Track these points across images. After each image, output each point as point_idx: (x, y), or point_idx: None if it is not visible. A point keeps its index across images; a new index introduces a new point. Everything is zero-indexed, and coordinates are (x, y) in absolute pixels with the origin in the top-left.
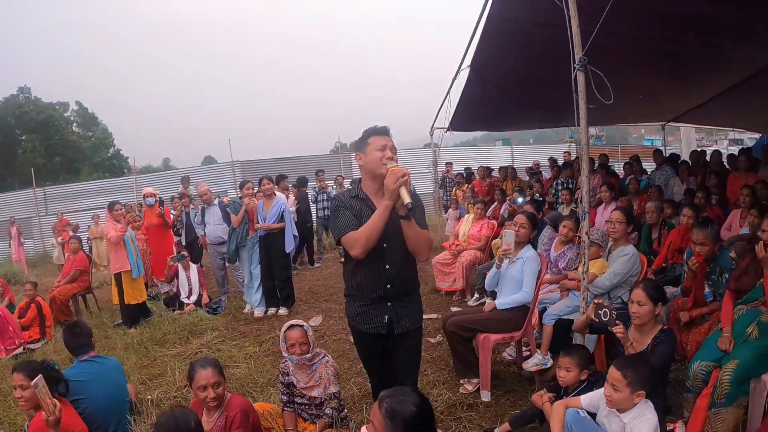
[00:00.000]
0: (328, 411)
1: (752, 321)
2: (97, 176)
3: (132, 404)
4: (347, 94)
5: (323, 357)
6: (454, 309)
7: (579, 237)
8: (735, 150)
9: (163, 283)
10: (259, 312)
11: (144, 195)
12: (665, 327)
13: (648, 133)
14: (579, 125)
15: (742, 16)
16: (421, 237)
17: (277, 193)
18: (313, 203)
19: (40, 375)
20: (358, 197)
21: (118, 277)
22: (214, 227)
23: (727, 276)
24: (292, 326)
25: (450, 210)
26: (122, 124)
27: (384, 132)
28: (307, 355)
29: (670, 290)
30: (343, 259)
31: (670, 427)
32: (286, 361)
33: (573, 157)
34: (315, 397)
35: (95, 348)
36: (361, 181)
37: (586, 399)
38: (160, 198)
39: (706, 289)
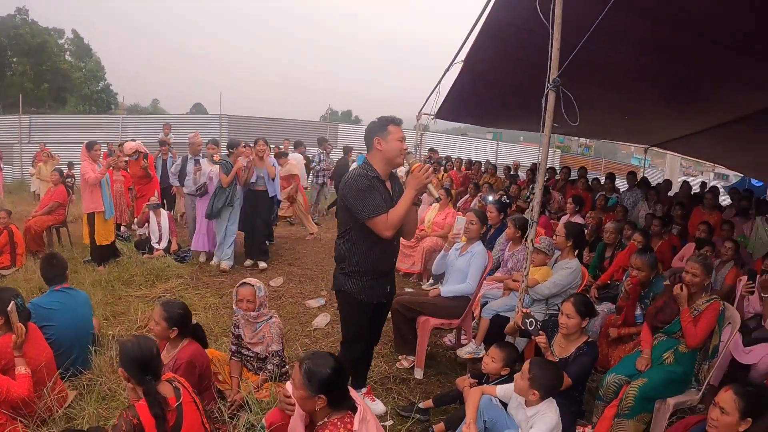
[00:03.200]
0: (269, 366)
1: (670, 348)
2: (83, 108)
3: (95, 337)
4: (339, 69)
5: (270, 318)
6: (408, 290)
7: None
8: (719, 183)
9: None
10: (225, 265)
11: (125, 153)
12: (590, 340)
13: (637, 152)
14: (541, 141)
15: (730, 58)
16: (416, 220)
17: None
18: (318, 168)
19: (12, 302)
20: (378, 178)
21: (90, 216)
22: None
23: None
24: (244, 283)
25: (424, 195)
26: (115, 59)
27: (400, 123)
28: (252, 313)
29: (609, 306)
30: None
31: (579, 430)
32: (238, 314)
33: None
34: (258, 353)
35: (68, 280)
36: (372, 162)
37: (501, 389)
38: (145, 152)
39: (638, 311)
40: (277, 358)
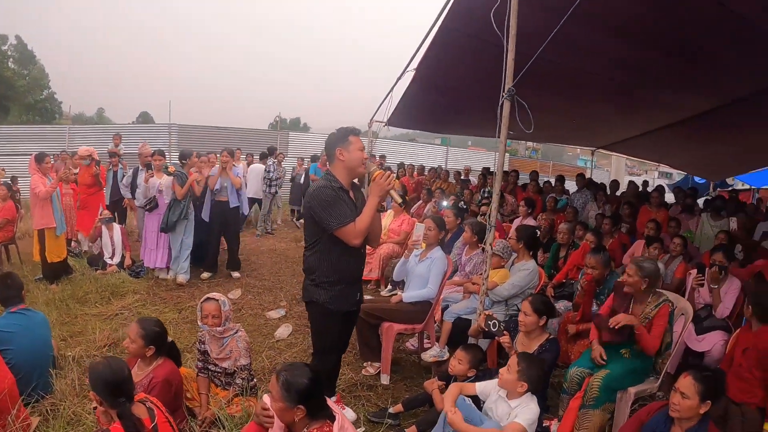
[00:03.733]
0: (238, 381)
1: (625, 347)
2: (26, 118)
3: (54, 359)
4: (287, 76)
5: (236, 332)
6: (367, 297)
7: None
8: (663, 182)
9: (86, 239)
10: (182, 278)
11: (80, 156)
12: (551, 337)
13: (583, 154)
14: (499, 148)
15: (672, 65)
16: (380, 227)
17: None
18: (268, 178)
19: None
20: (342, 189)
21: (41, 233)
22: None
23: None
24: (208, 299)
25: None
26: (60, 64)
27: (359, 133)
28: (218, 328)
29: (565, 303)
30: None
31: (546, 423)
32: (203, 330)
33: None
34: (226, 368)
35: (25, 301)
36: (334, 172)
37: (481, 386)
38: (98, 159)
39: (594, 307)
40: (245, 372)
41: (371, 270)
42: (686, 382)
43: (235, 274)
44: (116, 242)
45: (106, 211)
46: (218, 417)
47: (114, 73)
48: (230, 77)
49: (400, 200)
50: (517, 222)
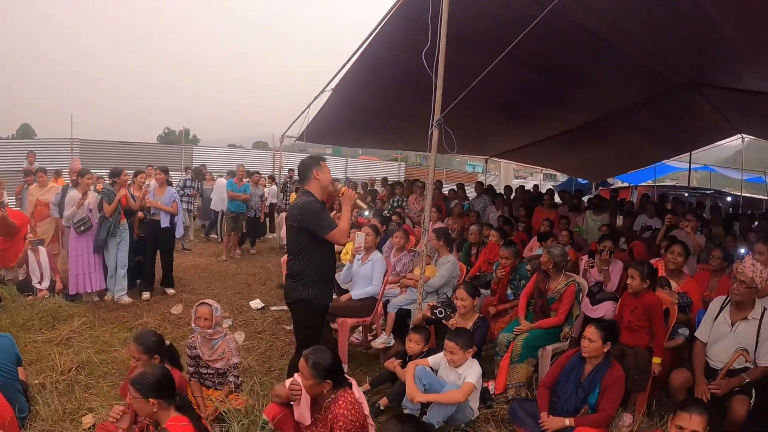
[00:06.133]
0: (230, 378)
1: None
2: None
3: (27, 387)
4: (174, 83)
5: (225, 335)
6: None
7: (412, 249)
8: (547, 183)
9: (9, 270)
10: (125, 300)
11: None
12: (481, 316)
13: (471, 160)
14: (431, 167)
15: (553, 87)
16: None
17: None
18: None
19: None
20: (322, 202)
21: None
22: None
23: (524, 282)
24: (203, 303)
25: (284, 214)
26: None
27: (326, 159)
28: (209, 330)
29: (484, 291)
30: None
31: (485, 385)
32: (193, 336)
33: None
34: (218, 368)
35: None
36: (312, 191)
37: (432, 359)
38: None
39: (509, 291)
40: (236, 369)
41: None
42: (591, 330)
43: (170, 291)
44: (44, 266)
45: (30, 234)
46: (223, 411)
47: None
48: (117, 82)
49: (365, 207)
50: (429, 225)
